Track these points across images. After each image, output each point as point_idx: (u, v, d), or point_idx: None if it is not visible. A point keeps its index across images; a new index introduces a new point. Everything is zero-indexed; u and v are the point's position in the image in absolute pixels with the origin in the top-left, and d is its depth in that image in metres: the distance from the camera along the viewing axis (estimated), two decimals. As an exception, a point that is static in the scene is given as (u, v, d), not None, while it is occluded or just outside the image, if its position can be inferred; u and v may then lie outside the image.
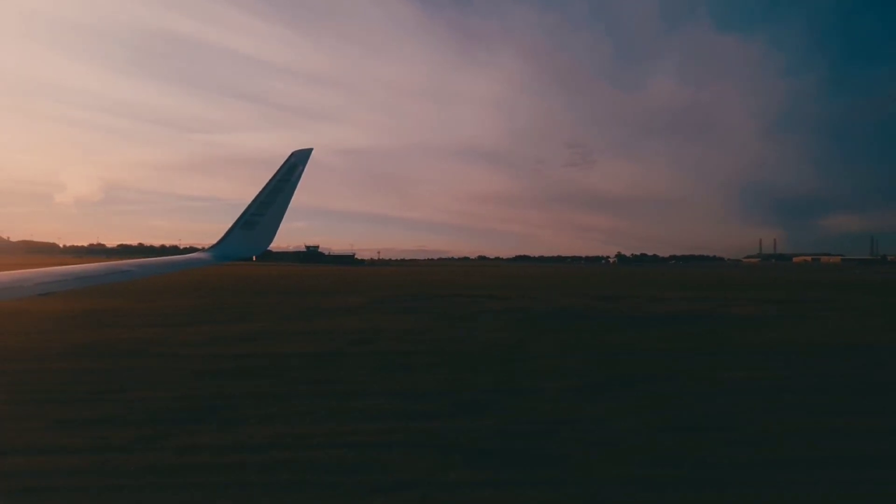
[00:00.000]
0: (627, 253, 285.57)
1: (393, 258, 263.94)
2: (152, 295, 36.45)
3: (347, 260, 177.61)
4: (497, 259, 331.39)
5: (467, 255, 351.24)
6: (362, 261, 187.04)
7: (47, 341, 17.55)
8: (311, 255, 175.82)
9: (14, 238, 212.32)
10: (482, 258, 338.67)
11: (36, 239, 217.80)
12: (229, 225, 6.71)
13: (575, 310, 30.05)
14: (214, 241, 6.81)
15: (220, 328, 21.14)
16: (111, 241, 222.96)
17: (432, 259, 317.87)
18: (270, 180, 6.63)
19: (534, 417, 9.89)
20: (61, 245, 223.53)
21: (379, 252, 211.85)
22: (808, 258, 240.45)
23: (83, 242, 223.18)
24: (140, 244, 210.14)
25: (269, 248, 6.97)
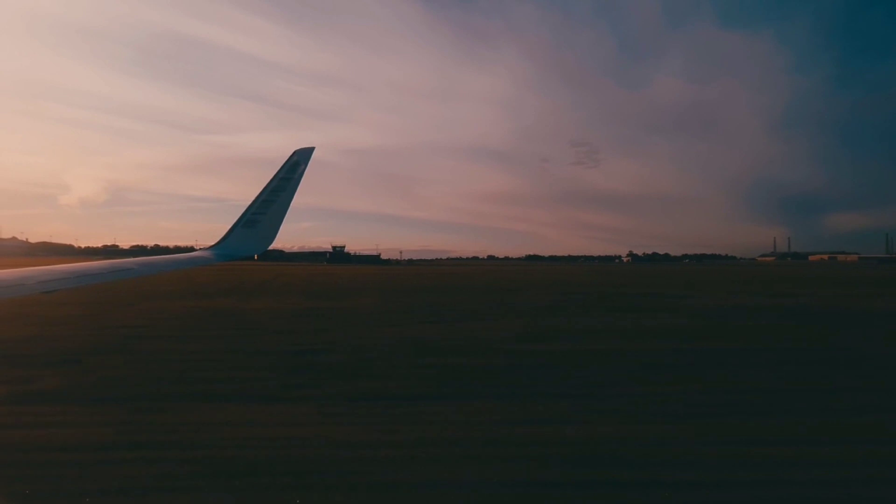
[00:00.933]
0: (637, 251, 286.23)
1: (404, 258, 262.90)
2: (313, 297, 36.01)
3: (374, 260, 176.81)
4: (507, 258, 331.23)
5: (476, 255, 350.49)
6: (388, 261, 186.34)
7: (384, 340, 17.27)
8: (338, 255, 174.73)
9: (33, 240, 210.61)
10: (491, 257, 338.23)
11: (51, 241, 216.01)
12: None
13: (770, 307, 29.92)
14: None
15: (493, 326, 20.85)
16: (124, 243, 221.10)
17: (441, 259, 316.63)
18: (272, 179, 6.47)
19: None
20: (77, 246, 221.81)
21: (401, 252, 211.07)
22: (825, 256, 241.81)
23: (97, 244, 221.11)
24: (156, 245, 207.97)
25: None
